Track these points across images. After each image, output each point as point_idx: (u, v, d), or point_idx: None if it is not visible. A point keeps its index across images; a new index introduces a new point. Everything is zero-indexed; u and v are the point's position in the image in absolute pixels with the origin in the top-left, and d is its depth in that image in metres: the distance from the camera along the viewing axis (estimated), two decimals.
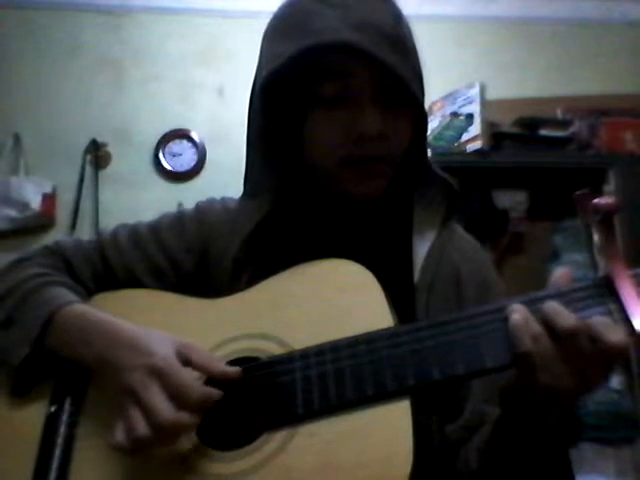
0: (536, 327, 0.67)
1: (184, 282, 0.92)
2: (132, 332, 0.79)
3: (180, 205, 2.60)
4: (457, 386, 0.84)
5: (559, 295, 0.70)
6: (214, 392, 0.74)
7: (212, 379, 0.76)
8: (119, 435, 0.72)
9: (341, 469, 0.68)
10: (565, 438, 0.74)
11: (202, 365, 0.76)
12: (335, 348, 0.75)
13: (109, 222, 2.72)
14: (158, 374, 0.73)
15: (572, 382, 0.66)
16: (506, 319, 0.70)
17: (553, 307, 0.67)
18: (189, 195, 2.80)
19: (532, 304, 0.70)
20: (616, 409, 2.29)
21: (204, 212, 0.97)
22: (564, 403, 0.69)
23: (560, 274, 0.72)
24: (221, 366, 0.77)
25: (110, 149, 2.91)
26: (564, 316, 0.66)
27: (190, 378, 0.74)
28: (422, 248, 0.90)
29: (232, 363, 0.80)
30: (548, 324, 0.67)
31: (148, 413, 0.71)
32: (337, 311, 0.79)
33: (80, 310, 0.85)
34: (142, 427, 0.71)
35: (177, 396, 0.72)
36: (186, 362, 0.76)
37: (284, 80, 0.85)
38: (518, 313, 0.68)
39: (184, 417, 0.72)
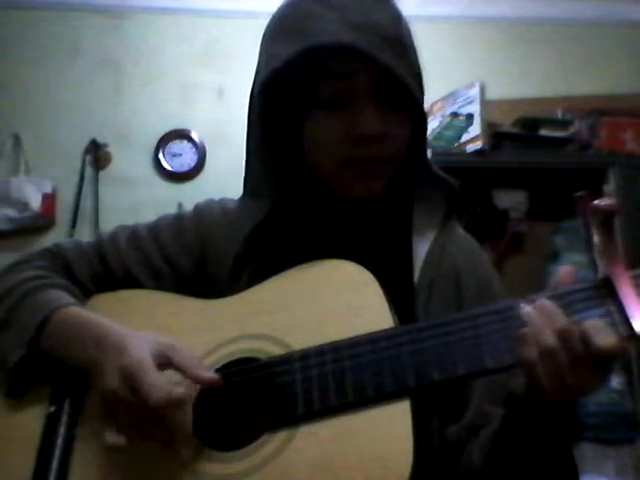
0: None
1: (183, 283, 0.92)
2: (117, 335, 0.79)
3: (180, 205, 2.60)
4: (458, 387, 0.84)
5: (558, 297, 0.70)
6: (177, 392, 0.73)
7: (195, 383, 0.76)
8: (106, 435, 0.76)
9: (341, 470, 0.68)
10: (567, 437, 0.74)
11: (182, 367, 0.76)
12: (335, 349, 0.75)
13: (109, 222, 2.72)
14: (128, 375, 0.74)
15: (571, 384, 0.66)
16: (506, 319, 0.70)
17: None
18: (189, 195, 2.79)
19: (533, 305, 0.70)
20: (616, 409, 2.29)
21: (202, 213, 0.97)
22: (564, 403, 0.69)
23: (564, 273, 0.72)
24: (198, 371, 0.76)
25: (110, 149, 2.91)
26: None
27: (156, 380, 0.73)
28: (422, 248, 0.90)
29: (232, 364, 0.80)
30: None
31: (115, 416, 0.74)
32: (337, 312, 0.79)
33: (75, 313, 0.85)
34: (124, 425, 0.74)
35: (140, 397, 0.72)
36: (164, 364, 0.76)
37: (283, 81, 0.85)
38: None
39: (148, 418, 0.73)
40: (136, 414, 0.73)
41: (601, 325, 0.65)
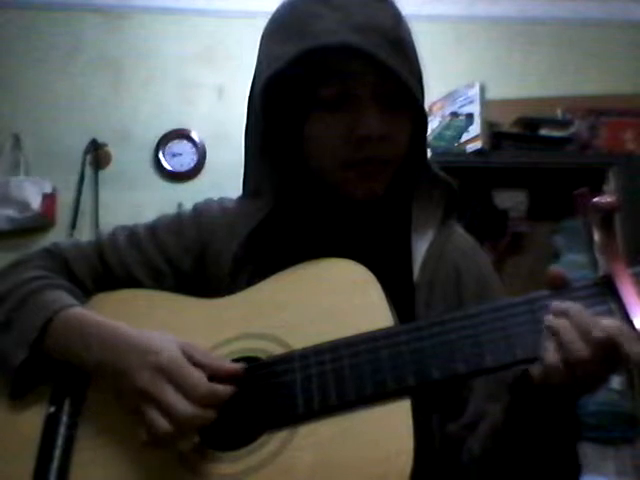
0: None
1: (183, 283, 0.92)
2: (133, 334, 0.80)
3: (180, 205, 2.60)
4: (458, 385, 0.84)
5: (560, 295, 0.70)
6: (220, 388, 0.74)
7: (216, 377, 0.76)
8: (144, 435, 0.73)
9: (341, 469, 0.68)
10: (569, 429, 0.74)
11: (205, 364, 0.76)
12: (335, 348, 0.75)
13: (109, 222, 2.72)
14: (166, 371, 0.74)
15: (582, 381, 0.66)
16: (505, 318, 0.70)
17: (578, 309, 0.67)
18: (189, 195, 2.79)
19: (532, 304, 0.70)
20: (616, 409, 2.29)
21: (202, 213, 0.97)
22: (568, 399, 0.70)
23: (553, 274, 0.72)
24: (224, 364, 0.77)
25: (110, 149, 2.91)
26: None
27: (197, 374, 0.74)
28: (421, 247, 0.90)
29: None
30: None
31: (166, 411, 0.72)
32: (337, 310, 0.79)
33: (78, 313, 0.85)
34: (164, 424, 0.72)
35: (186, 392, 0.73)
36: (190, 360, 0.76)
37: (284, 82, 0.84)
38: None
39: (199, 411, 0.73)
40: (163, 412, 0.73)
41: (624, 329, 0.64)
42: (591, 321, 0.65)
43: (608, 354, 0.64)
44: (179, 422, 0.72)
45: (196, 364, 0.76)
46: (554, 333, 0.66)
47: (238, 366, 0.77)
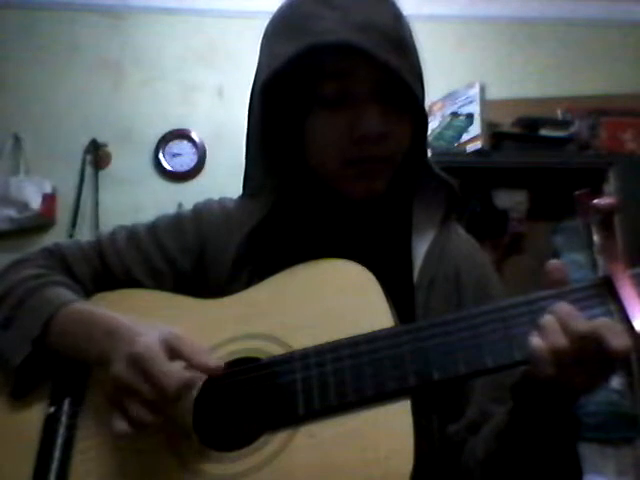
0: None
1: (182, 282, 0.92)
2: (125, 325, 0.79)
3: (180, 205, 2.60)
4: (458, 386, 0.84)
5: (560, 296, 0.70)
6: (189, 376, 0.73)
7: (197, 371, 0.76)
8: (115, 424, 0.73)
9: (341, 469, 0.68)
10: (569, 431, 0.74)
11: (187, 355, 0.75)
12: (335, 348, 0.75)
13: (109, 222, 2.72)
14: (139, 362, 0.73)
15: (576, 379, 0.66)
16: (505, 319, 0.70)
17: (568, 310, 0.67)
18: (189, 195, 2.79)
19: (532, 305, 0.70)
20: (616, 409, 2.29)
21: (201, 213, 0.97)
22: (567, 400, 0.70)
23: (553, 267, 0.72)
24: (204, 359, 0.76)
25: (110, 149, 2.91)
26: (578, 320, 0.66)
27: (168, 365, 0.73)
28: (421, 248, 0.90)
29: (232, 364, 0.80)
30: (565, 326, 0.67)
31: (141, 398, 0.72)
32: (337, 311, 0.79)
33: (79, 308, 0.85)
34: (144, 413, 0.72)
35: (154, 384, 0.72)
36: (172, 351, 0.75)
37: (284, 80, 0.84)
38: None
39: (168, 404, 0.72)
40: (141, 401, 0.72)
41: (612, 325, 0.65)
42: (573, 315, 0.66)
43: (590, 347, 0.64)
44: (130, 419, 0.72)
45: (181, 356, 0.75)
46: (538, 327, 0.68)
47: (218, 363, 0.76)
